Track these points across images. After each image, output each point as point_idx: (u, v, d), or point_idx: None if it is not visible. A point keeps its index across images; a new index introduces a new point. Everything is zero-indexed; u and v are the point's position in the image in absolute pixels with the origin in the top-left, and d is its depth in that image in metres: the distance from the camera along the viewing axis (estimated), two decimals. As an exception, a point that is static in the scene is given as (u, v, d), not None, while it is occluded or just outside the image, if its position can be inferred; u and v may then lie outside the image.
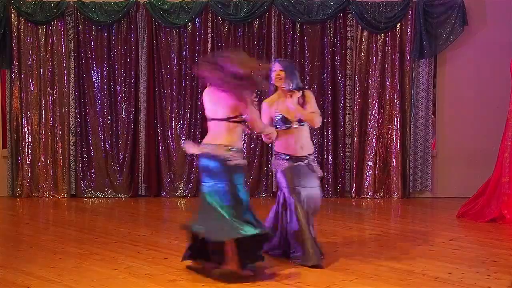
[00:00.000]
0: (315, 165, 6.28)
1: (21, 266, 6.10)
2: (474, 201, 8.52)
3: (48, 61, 9.93)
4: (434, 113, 10.06)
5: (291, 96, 6.12)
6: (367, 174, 9.82)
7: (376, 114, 9.83)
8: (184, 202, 9.77)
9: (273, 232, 6.21)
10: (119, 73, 9.99)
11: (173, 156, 10.05)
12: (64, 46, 9.92)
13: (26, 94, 9.95)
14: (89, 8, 9.86)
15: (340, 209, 9.30)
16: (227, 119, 5.70)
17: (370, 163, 9.85)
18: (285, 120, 6.15)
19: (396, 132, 9.79)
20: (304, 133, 6.23)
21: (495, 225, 8.00)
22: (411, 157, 9.87)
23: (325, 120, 9.86)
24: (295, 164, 6.15)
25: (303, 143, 6.20)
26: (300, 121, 6.16)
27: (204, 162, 5.75)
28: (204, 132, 9.94)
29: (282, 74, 6.17)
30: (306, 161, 6.20)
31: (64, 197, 9.96)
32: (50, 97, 9.96)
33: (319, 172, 6.32)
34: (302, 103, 6.16)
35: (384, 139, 9.86)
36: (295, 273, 5.86)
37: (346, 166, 9.95)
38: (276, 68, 6.21)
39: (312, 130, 9.79)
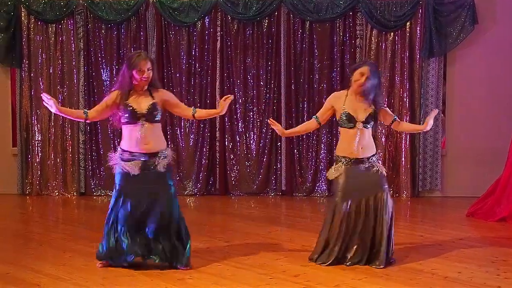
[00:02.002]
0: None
1: (30, 264, 6.13)
2: (484, 200, 8.50)
3: (57, 59, 9.96)
4: (443, 112, 10.03)
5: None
6: (376, 173, 9.80)
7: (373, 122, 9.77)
8: (193, 200, 9.78)
9: None
10: (128, 71, 10.00)
11: (182, 155, 10.06)
12: (74, 45, 9.95)
13: (36, 92, 9.98)
14: (99, 7, 9.88)
15: (349, 208, 9.28)
16: None
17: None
18: (350, 118, 6.03)
19: (405, 131, 9.77)
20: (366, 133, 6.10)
21: (505, 224, 7.98)
22: (420, 156, 9.84)
23: (334, 119, 9.81)
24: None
25: (364, 144, 6.07)
26: (365, 122, 6.03)
27: None
28: (213, 129, 10.02)
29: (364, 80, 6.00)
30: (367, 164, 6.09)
31: (74, 195, 9.99)
32: (59, 95, 9.98)
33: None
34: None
35: (393, 138, 9.84)
36: (305, 272, 5.87)
37: (355, 165, 9.92)
38: (364, 71, 6.00)
39: (321, 128, 9.86)
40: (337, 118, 6.15)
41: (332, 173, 6.14)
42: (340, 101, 6.11)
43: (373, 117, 6.06)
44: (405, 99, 9.74)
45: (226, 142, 10.04)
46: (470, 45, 9.75)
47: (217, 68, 9.95)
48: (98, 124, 10.01)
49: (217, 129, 10.01)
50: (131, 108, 5.84)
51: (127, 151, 5.90)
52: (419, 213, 9.08)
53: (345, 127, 6.07)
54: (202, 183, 10.01)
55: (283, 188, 10.06)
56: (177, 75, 9.97)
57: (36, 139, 10.03)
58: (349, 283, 5.53)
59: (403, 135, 9.76)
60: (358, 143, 6.02)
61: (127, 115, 5.84)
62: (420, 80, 9.73)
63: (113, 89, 6.00)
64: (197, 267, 5.96)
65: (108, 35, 10.00)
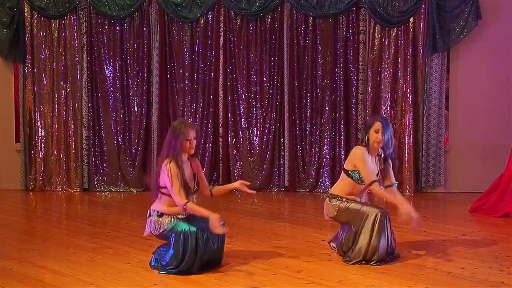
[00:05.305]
0: None
1: (34, 260, 6.14)
2: (487, 196, 8.49)
3: (61, 55, 9.97)
4: (447, 108, 10.02)
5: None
6: (380, 168, 9.78)
7: (388, 109, 9.79)
8: (195, 196, 9.75)
9: None
10: (131, 67, 10.02)
11: (185, 150, 10.06)
12: (77, 41, 9.95)
13: (39, 88, 9.99)
14: (102, 3, 9.88)
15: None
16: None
17: (382, 158, 9.81)
18: (360, 179, 6.03)
19: (408, 126, 9.75)
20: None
21: (508, 220, 7.96)
22: (423, 152, 9.83)
23: (337, 115, 9.85)
24: None
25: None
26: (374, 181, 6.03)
27: None
28: (216, 126, 10.02)
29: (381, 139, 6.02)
30: None
31: (77, 191, 10.00)
32: (62, 91, 10.00)
33: None
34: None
35: (396, 134, 9.82)
36: (308, 268, 5.87)
37: (359, 161, 9.92)
38: (378, 127, 6.01)
39: (324, 124, 9.87)
40: (351, 169, 6.06)
41: (338, 208, 6.11)
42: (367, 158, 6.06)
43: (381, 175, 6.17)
44: (408, 94, 9.72)
45: (229, 138, 10.04)
46: (473, 40, 9.73)
47: (220, 64, 9.95)
48: (102, 120, 10.04)
49: (220, 125, 10.01)
50: (187, 186, 5.79)
51: (167, 215, 5.80)
52: (422, 209, 9.06)
53: (355, 181, 6.07)
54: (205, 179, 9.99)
55: (286, 184, 10.06)
56: (180, 71, 9.97)
57: (40, 135, 10.05)
58: (351, 279, 5.54)
59: (406, 131, 9.74)
60: (361, 195, 6.20)
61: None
62: (424, 75, 9.71)
63: (165, 160, 5.75)
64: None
65: (111, 31, 10.01)
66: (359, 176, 6.03)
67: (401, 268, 5.84)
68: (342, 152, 9.87)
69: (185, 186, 5.75)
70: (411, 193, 9.75)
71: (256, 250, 6.50)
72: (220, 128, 10.02)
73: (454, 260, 6.09)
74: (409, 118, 9.75)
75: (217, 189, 6.30)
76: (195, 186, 5.94)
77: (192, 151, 5.88)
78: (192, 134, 5.80)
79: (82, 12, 9.94)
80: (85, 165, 10.05)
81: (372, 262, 5.89)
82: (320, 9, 9.77)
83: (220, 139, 10.03)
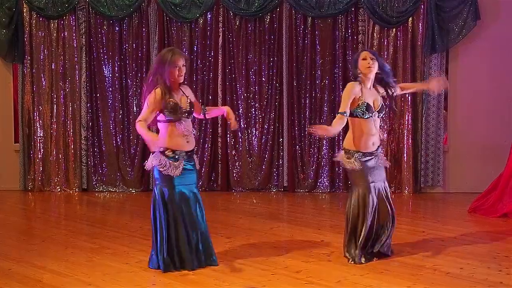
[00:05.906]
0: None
1: (33, 260, 6.15)
2: (486, 196, 8.49)
3: (59, 55, 9.97)
4: (446, 108, 10.02)
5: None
6: (379, 169, 9.77)
7: (387, 109, 9.77)
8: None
9: None
10: (130, 67, 10.02)
11: (184, 150, 10.06)
12: (76, 41, 9.95)
13: (37, 88, 9.99)
14: (101, 3, 9.88)
15: (351, 204, 9.28)
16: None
17: (381, 158, 9.81)
18: (368, 108, 5.96)
19: (407, 127, 9.75)
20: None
21: (507, 220, 7.96)
22: (422, 152, 9.83)
23: (335, 114, 9.82)
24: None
25: (375, 135, 6.11)
26: (379, 111, 6.07)
27: None
28: (215, 126, 10.03)
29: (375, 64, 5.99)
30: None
31: (76, 191, 10.00)
32: (61, 91, 10.00)
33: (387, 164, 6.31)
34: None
35: (395, 134, 9.83)
36: (307, 268, 5.87)
37: (357, 161, 9.91)
38: (365, 55, 5.98)
39: (323, 124, 9.86)
40: (351, 108, 5.97)
41: (353, 167, 6.05)
42: (358, 92, 5.95)
43: (385, 105, 6.13)
44: (407, 95, 9.72)
45: (228, 138, 10.04)
46: (472, 41, 9.73)
47: (219, 64, 9.95)
48: (100, 120, 10.03)
49: (219, 125, 10.01)
50: (175, 105, 5.68)
51: (169, 149, 5.74)
52: (421, 209, 9.08)
53: (361, 118, 5.96)
54: (204, 179, 10.01)
55: (285, 184, 10.06)
56: (179, 71, 9.96)
57: (38, 135, 10.04)
58: (350, 279, 5.54)
59: (405, 131, 9.74)
60: (372, 135, 6.04)
61: (171, 112, 5.68)
62: (422, 76, 9.71)
63: (148, 90, 5.69)
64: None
65: (110, 31, 10.01)
66: (362, 109, 5.93)
67: (400, 268, 5.84)
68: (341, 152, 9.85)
69: (175, 106, 5.66)
70: (410, 193, 9.75)
71: (255, 250, 6.50)
72: (219, 128, 10.02)
73: (453, 260, 6.09)
74: (408, 118, 9.75)
75: (209, 109, 6.28)
76: (188, 107, 5.79)
77: (181, 79, 5.76)
78: (180, 62, 5.69)
79: (81, 13, 9.94)
80: (84, 166, 10.05)
81: (359, 240, 5.93)
82: (319, 10, 9.77)
83: (219, 139, 10.03)
